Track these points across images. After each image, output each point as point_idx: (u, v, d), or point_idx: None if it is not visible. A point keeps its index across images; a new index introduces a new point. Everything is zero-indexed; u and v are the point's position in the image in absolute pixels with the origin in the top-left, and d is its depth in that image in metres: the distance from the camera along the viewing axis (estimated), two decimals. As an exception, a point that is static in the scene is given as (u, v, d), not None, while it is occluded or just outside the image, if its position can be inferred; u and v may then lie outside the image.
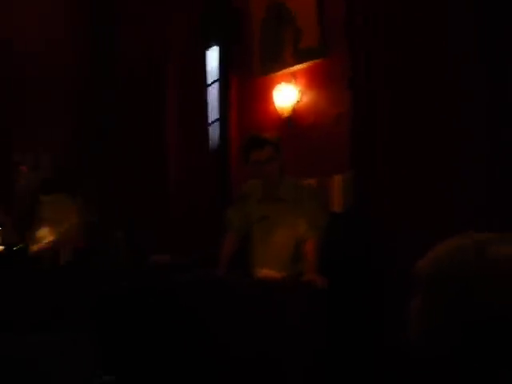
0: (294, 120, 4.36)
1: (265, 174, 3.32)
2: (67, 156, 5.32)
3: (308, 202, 3.28)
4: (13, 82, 5.17)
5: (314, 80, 4.29)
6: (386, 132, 3.59)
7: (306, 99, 4.33)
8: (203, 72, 5.00)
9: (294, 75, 4.38)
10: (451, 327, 0.91)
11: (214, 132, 5.05)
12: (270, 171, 3.30)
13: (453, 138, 3.25)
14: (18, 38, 5.13)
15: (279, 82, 4.41)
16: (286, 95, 4.36)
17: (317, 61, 4.24)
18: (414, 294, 0.98)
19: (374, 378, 3.18)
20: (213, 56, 5.09)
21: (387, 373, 3.07)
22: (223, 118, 4.94)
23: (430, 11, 3.38)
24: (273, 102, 4.48)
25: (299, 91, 4.34)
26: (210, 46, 5.05)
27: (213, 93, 5.10)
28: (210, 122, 5.03)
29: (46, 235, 4.29)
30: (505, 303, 0.89)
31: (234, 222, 3.47)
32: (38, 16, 5.28)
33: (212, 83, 5.13)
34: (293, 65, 4.38)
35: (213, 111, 5.07)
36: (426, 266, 0.97)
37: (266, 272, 3.09)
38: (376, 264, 3.47)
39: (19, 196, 4.95)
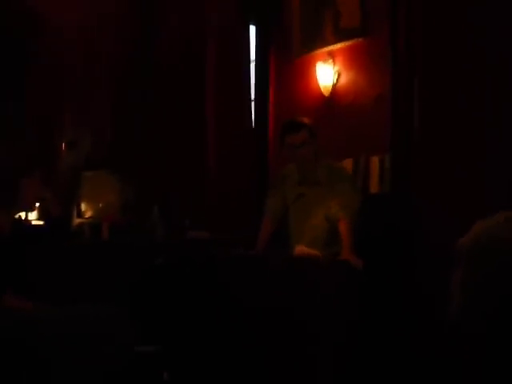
0: (333, 99, 4.35)
1: (299, 158, 3.37)
2: (105, 135, 5.40)
3: (341, 183, 3.31)
4: (57, 67, 5.25)
5: (354, 59, 4.26)
6: (426, 114, 3.57)
7: (345, 79, 4.31)
8: (246, 48, 5.00)
9: (333, 54, 4.36)
10: (489, 300, 0.92)
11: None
12: (304, 155, 3.34)
13: (494, 120, 3.22)
14: (67, 24, 5.20)
15: (318, 61, 4.40)
16: (326, 74, 4.35)
17: (357, 40, 4.22)
18: (455, 269, 0.99)
19: (407, 355, 3.18)
20: (251, 36, 5.10)
21: (420, 350, 3.08)
22: (261, 98, 4.94)
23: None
24: (312, 82, 4.48)
25: (338, 70, 4.33)
26: (249, 25, 5.06)
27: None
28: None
29: (86, 210, 4.38)
30: None
31: (271, 208, 3.55)
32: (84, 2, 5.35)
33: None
34: (333, 43, 4.36)
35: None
36: (466, 242, 0.99)
37: (302, 249, 3.12)
38: (413, 245, 3.46)
39: (60, 172, 5.05)
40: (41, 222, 4.20)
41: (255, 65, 4.99)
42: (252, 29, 5.04)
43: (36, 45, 5.12)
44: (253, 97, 5.00)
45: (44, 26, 5.12)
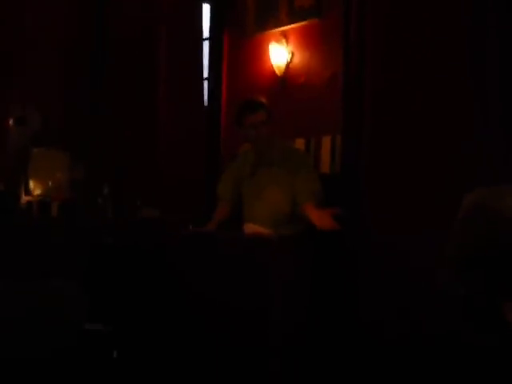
0: (286, 79, 4.37)
1: (258, 138, 3.36)
2: (56, 112, 5.29)
3: (307, 171, 3.32)
4: (6, 41, 5.09)
5: (308, 40, 4.28)
6: (377, 95, 3.61)
7: (298, 59, 4.32)
8: (199, 26, 4.96)
9: (287, 34, 4.36)
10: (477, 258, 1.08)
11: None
12: (262, 134, 3.34)
13: (445, 103, 3.27)
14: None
15: (272, 41, 4.40)
16: (279, 54, 4.36)
17: (311, 20, 4.23)
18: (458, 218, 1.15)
19: (356, 338, 3.23)
20: (204, 14, 5.05)
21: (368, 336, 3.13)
22: (214, 77, 4.91)
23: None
24: (265, 61, 4.48)
25: (292, 51, 4.34)
26: (202, 3, 5.00)
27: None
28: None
29: (35, 188, 4.29)
30: None
31: (225, 195, 3.52)
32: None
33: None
34: (287, 24, 4.36)
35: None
36: (468, 203, 1.15)
37: (252, 227, 3.13)
38: (361, 227, 3.51)
39: (8, 148, 4.92)
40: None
41: (209, 43, 4.95)
42: (206, 7, 4.99)
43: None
44: (206, 75, 4.97)
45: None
